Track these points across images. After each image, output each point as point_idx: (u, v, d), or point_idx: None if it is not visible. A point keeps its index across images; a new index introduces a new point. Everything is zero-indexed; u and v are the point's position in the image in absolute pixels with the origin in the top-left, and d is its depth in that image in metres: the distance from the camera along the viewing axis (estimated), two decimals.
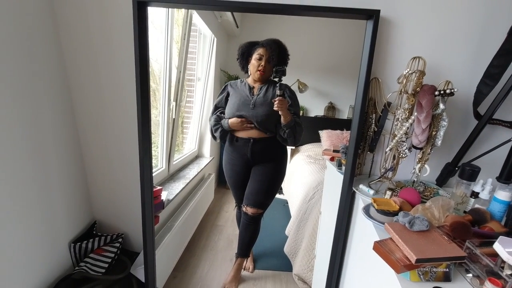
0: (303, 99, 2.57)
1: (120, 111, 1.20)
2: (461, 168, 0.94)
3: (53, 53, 1.07)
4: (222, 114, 1.64)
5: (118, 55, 1.13)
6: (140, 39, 0.98)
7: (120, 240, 1.30)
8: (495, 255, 0.65)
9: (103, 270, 1.16)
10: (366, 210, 0.94)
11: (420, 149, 0.98)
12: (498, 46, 0.92)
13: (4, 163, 0.87)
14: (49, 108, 1.06)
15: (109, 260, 1.20)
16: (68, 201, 1.18)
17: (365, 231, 0.96)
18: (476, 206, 0.90)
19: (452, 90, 0.88)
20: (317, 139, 2.91)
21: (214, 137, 1.68)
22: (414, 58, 0.95)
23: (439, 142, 0.96)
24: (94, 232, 1.29)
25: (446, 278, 0.68)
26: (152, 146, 1.21)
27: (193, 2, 0.97)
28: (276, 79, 1.47)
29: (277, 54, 1.53)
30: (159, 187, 1.42)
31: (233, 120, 1.57)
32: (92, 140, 1.24)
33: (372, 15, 0.94)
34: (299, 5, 0.95)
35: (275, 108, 1.45)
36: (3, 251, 0.89)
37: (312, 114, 2.92)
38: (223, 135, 1.65)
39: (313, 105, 2.92)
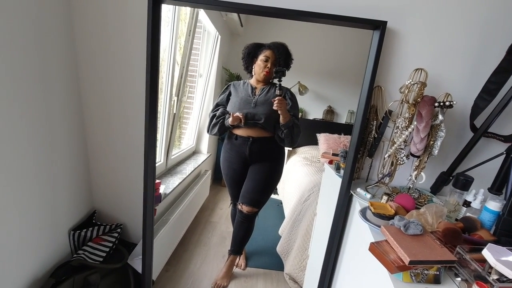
0: (303, 102, 2.60)
1: (128, 103, 1.21)
2: (455, 178, 0.98)
3: (64, 43, 1.08)
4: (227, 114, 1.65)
5: (130, 50, 1.15)
6: (153, 36, 0.99)
7: (118, 230, 1.31)
8: (482, 261, 0.69)
9: (101, 259, 1.18)
10: (363, 213, 0.97)
11: (418, 157, 1.02)
12: (496, 64, 0.97)
13: (8, 150, 0.88)
14: (56, 96, 1.07)
15: (107, 249, 1.22)
16: (69, 189, 1.19)
17: (360, 233, 0.99)
18: (468, 214, 0.94)
19: (451, 103, 0.93)
20: (314, 142, 2.94)
21: (210, 130, 1.66)
22: (417, 69, 0.99)
23: (436, 151, 1.00)
24: (93, 221, 1.30)
25: (436, 280, 0.71)
26: None
27: (206, 2, 0.99)
28: (276, 80, 1.50)
29: (284, 58, 1.56)
30: (158, 180, 1.44)
31: (230, 118, 1.57)
32: (97, 130, 1.25)
33: (379, 25, 0.97)
34: (309, 12, 0.98)
35: (274, 107, 1.49)
36: (4, 236, 0.90)
37: (311, 117, 2.95)
38: (221, 130, 1.64)
39: (312, 108, 2.95)
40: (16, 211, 0.94)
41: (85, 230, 1.21)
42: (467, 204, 0.97)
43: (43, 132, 1.01)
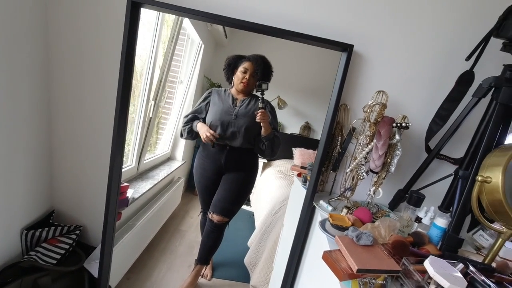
0: (281, 116, 2.65)
1: (98, 103, 1.20)
2: (409, 195, 1.05)
3: (37, 38, 1.07)
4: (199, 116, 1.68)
5: (104, 50, 1.15)
6: (129, 39, 1.01)
7: (77, 232, 1.26)
8: (425, 272, 0.73)
9: (55, 261, 1.12)
10: (322, 224, 1.01)
11: (376, 173, 1.08)
12: (448, 91, 1.06)
13: None
14: (22, 88, 1.04)
15: (63, 252, 1.16)
16: (27, 185, 1.14)
17: (319, 244, 1.02)
18: (418, 229, 1.00)
19: (407, 124, 1.00)
20: (289, 156, 2.98)
21: (181, 134, 1.73)
22: (379, 91, 1.06)
23: (393, 168, 1.07)
24: (51, 221, 1.24)
25: None
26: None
27: (186, 11, 1.03)
28: (259, 93, 1.54)
29: (262, 70, 1.61)
30: (126, 184, 1.41)
31: (201, 126, 1.61)
32: (63, 126, 1.22)
33: (347, 48, 1.04)
34: (284, 30, 1.03)
35: (257, 120, 1.51)
36: None
37: (288, 131, 2.99)
38: (190, 135, 1.69)
39: (290, 123, 3.00)
40: None
41: (40, 230, 1.15)
42: (418, 220, 1.03)
43: (2, 125, 0.98)
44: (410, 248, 0.85)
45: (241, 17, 1.06)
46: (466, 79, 1.02)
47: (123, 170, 1.62)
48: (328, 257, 0.77)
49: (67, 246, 1.19)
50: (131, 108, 1.71)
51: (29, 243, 1.14)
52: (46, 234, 1.18)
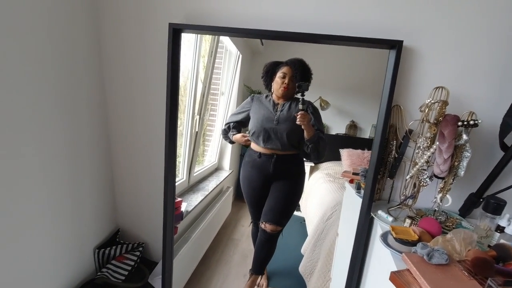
0: (325, 117, 2.56)
1: (150, 127, 1.28)
2: (485, 201, 0.92)
3: (94, 75, 1.18)
4: (233, 129, 1.72)
5: (151, 74, 1.22)
6: (173, 62, 1.06)
7: (140, 249, 1.35)
8: None
9: (123, 277, 1.22)
10: (384, 237, 0.93)
11: (442, 178, 0.97)
12: None
13: (39, 172, 0.96)
14: (87, 120, 1.15)
15: (129, 268, 1.26)
16: (96, 209, 1.26)
17: (382, 259, 0.95)
18: (502, 241, 0.87)
19: (476, 121, 0.88)
20: (337, 158, 2.85)
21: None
22: (437, 87, 0.95)
23: (462, 172, 0.95)
24: (117, 240, 1.35)
25: None
26: None
27: (223, 30, 1.05)
28: (299, 94, 1.50)
29: (301, 73, 1.57)
30: (179, 199, 1.47)
31: (237, 136, 1.66)
32: (122, 153, 1.33)
33: (395, 45, 0.96)
34: (325, 35, 0.99)
35: (297, 122, 1.47)
36: (35, 253, 0.96)
37: (333, 132, 2.88)
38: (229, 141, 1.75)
39: (334, 123, 2.89)
40: (47, 229, 1.00)
41: (109, 248, 1.26)
42: (500, 229, 0.90)
43: (72, 156, 1.09)
44: (495, 265, 0.74)
45: (277, 27, 1.04)
46: None
47: (176, 184, 1.71)
48: (397, 279, 0.70)
49: (132, 263, 1.28)
50: (178, 122, 1.81)
51: (101, 260, 1.25)
52: (114, 252, 1.28)
